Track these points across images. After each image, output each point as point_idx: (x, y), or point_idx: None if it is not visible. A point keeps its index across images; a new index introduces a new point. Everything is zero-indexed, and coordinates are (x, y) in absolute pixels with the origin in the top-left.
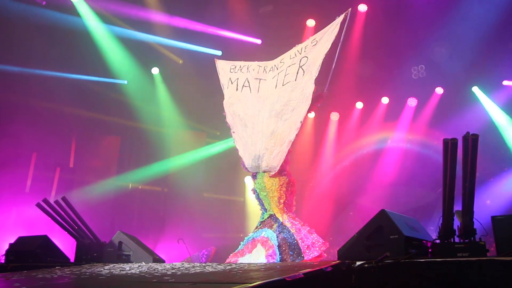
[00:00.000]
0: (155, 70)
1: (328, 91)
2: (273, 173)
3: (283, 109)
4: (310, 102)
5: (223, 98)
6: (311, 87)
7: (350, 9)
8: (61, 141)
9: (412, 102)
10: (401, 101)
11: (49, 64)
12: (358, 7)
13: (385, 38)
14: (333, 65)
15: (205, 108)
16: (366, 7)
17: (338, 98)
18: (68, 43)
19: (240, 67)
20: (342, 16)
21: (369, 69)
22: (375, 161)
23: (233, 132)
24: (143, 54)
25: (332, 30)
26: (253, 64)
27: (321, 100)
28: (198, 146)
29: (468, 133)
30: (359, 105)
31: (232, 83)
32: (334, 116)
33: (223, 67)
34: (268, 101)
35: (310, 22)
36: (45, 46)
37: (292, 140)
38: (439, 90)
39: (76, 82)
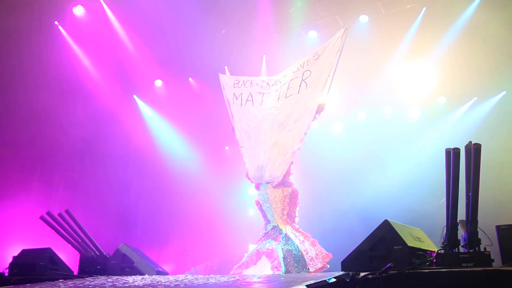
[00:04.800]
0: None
1: (326, 102)
2: (275, 183)
3: (286, 120)
4: (313, 115)
5: (227, 113)
6: (315, 101)
7: (349, 24)
8: (64, 154)
9: (414, 110)
10: (402, 111)
11: None
12: (359, 18)
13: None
14: (333, 77)
15: (213, 122)
16: (368, 18)
17: (340, 109)
18: None
19: (244, 81)
20: (342, 31)
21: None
22: (378, 170)
23: (241, 147)
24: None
25: (333, 44)
26: (257, 79)
27: (320, 111)
28: (204, 158)
29: (470, 142)
30: (362, 115)
31: (236, 99)
32: (337, 127)
33: (227, 82)
34: (271, 112)
35: (312, 34)
36: None
37: (296, 151)
38: (441, 100)
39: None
